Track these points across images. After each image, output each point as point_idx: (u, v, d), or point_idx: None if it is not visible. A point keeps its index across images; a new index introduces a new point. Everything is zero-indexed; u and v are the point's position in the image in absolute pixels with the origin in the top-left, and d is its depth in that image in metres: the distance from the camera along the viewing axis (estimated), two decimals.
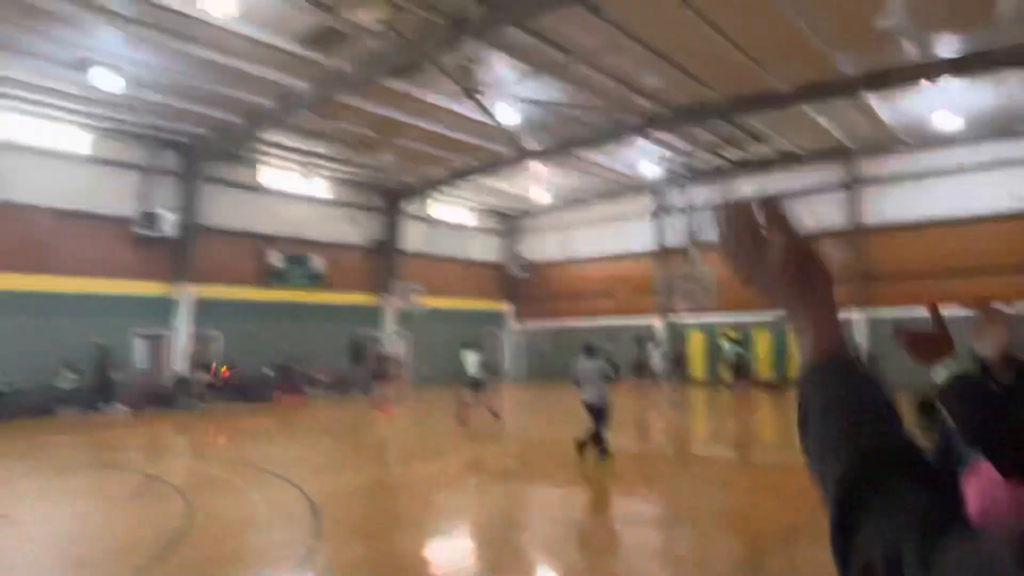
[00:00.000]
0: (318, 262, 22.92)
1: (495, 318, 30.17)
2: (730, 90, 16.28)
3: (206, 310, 19.75)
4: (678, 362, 24.47)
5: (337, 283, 23.53)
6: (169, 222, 18.81)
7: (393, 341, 24.40)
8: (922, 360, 1.75)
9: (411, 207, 26.04)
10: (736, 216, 0.79)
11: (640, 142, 20.50)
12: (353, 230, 24.60)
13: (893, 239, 21.30)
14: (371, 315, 24.71)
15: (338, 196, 24.16)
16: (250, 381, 20.03)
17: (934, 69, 14.33)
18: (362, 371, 22.07)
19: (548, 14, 12.21)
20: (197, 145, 19.32)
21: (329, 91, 15.36)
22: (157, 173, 19.15)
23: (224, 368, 19.74)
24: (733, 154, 22.26)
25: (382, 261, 25.16)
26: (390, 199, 25.47)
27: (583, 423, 9.76)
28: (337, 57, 14.09)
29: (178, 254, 19.31)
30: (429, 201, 27.08)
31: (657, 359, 24.75)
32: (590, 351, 10.17)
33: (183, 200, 19.57)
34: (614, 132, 18.98)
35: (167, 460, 11.37)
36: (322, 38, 13.19)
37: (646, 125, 18.31)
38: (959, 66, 14.29)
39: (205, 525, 6.41)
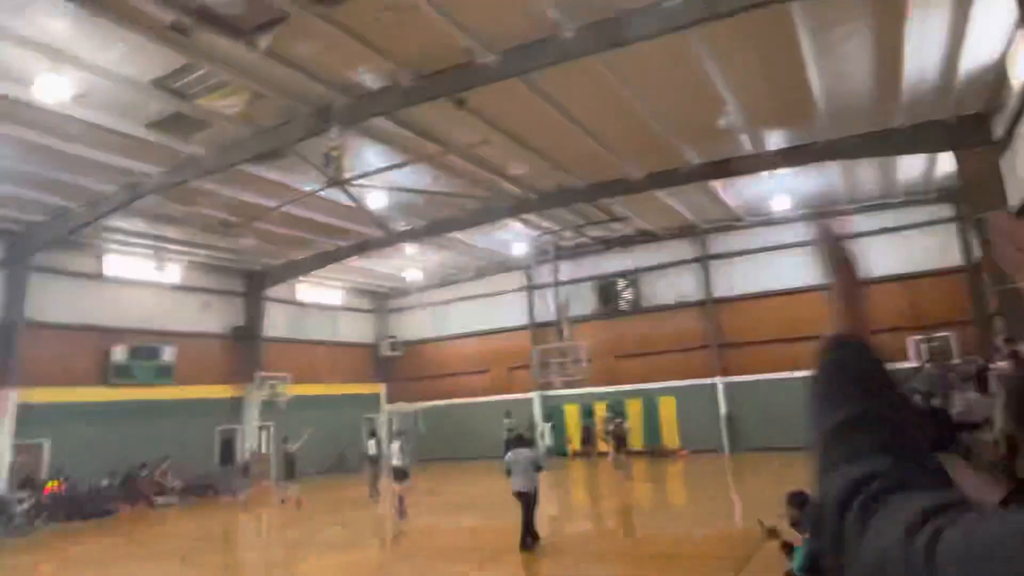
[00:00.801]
0: (169, 354, 20.99)
1: (369, 402, 28.97)
2: (590, 176, 17.22)
3: (33, 416, 17.33)
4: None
5: (191, 376, 21.57)
6: None
7: (256, 435, 22.63)
8: None
9: (275, 291, 24.81)
10: (829, 239, 1.03)
11: (509, 223, 21.05)
12: (210, 317, 22.93)
13: (741, 309, 23.00)
14: (231, 409, 22.84)
15: (192, 281, 22.51)
16: (85, 495, 17.61)
17: (766, 161, 15.96)
18: (230, 472, 20.32)
19: (414, 107, 12.34)
20: (26, 232, 17.40)
21: (182, 176, 14.46)
22: None
23: (54, 482, 17.27)
24: (597, 232, 23.39)
25: (242, 349, 23.53)
26: (251, 283, 24.15)
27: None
28: (193, 142, 13.37)
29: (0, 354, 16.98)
30: (295, 283, 26.02)
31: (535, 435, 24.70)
32: (522, 440, 10.33)
33: (6, 294, 17.39)
34: (484, 215, 19.34)
35: None
36: (175, 123, 12.47)
37: (515, 209, 18.84)
38: (786, 157, 16.03)
39: None
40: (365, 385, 28.97)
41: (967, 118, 13.92)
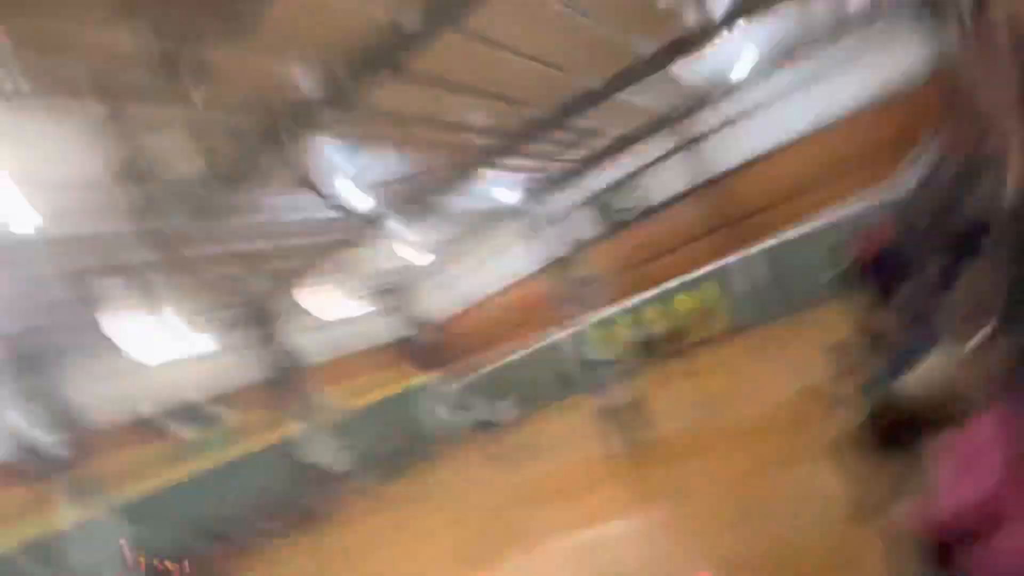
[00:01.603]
0: (229, 416, 21.43)
1: (422, 391, 29.37)
2: (552, 102, 16.91)
3: None
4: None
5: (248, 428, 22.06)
6: None
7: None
8: None
9: (292, 324, 24.95)
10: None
11: (491, 174, 20.85)
12: (250, 369, 23.19)
13: (748, 176, 22.73)
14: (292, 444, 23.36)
15: (223, 344, 22.71)
16: None
17: (717, 24, 15.51)
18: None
19: (366, 89, 12.14)
20: None
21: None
22: None
23: None
24: (578, 154, 23.10)
25: (288, 386, 23.85)
26: (264, 323, 24.29)
27: None
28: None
29: None
30: (307, 305, 26.12)
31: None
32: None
33: None
34: (463, 174, 19.15)
35: None
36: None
37: (489, 158, 18.63)
38: (735, 10, 15.54)
39: None
40: (412, 377, 29.33)
41: None
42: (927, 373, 2.68)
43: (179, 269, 16.28)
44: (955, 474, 2.47)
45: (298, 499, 21.84)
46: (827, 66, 20.63)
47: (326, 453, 23.38)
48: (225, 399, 21.72)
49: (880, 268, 10.92)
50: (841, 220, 19.25)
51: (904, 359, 4.71)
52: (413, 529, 13.52)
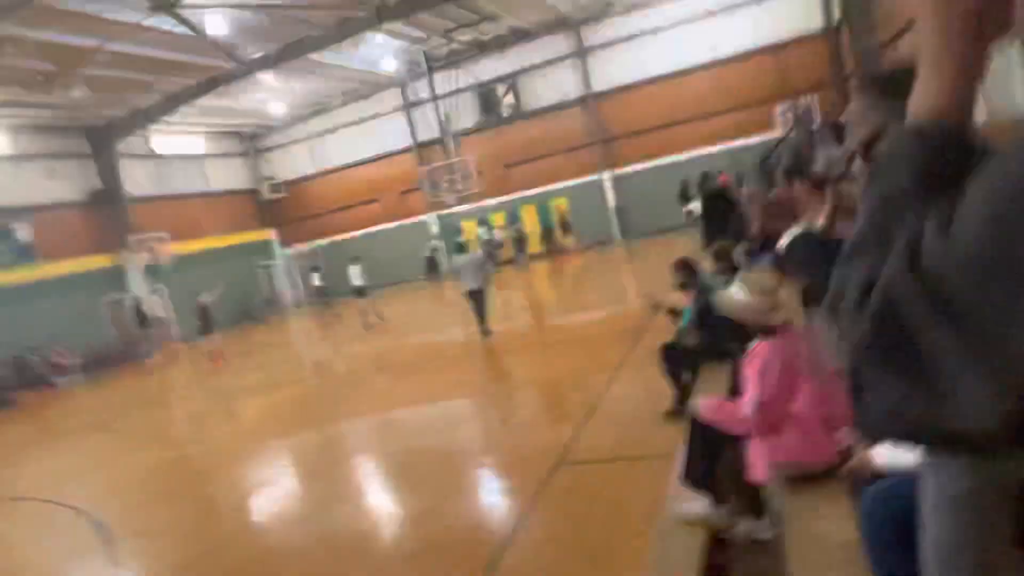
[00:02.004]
0: (24, 231, 19.09)
1: (261, 248, 28.01)
2: None
3: None
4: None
5: (56, 251, 19.87)
6: None
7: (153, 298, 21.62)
8: (770, 226, 1.96)
9: (127, 145, 22.40)
10: None
11: (375, 37, 19.43)
12: (60, 185, 20.67)
13: (622, 101, 23.07)
14: (112, 278, 21.53)
15: (29, 148, 19.90)
16: None
17: None
18: (139, 338, 19.71)
19: None
20: None
21: None
22: None
23: None
24: (468, 36, 22.08)
25: (108, 213, 21.65)
26: (97, 140, 21.60)
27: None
28: None
29: None
30: (149, 135, 23.57)
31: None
32: (461, 247, 12.67)
33: None
34: (343, 29, 17.66)
35: None
36: None
37: (376, 18, 17.25)
38: None
39: None
40: (252, 233, 27.80)
41: None
42: (736, 294, 3.03)
43: None
44: (749, 378, 2.97)
45: (103, 340, 20.39)
46: (723, 5, 21.09)
47: (144, 296, 21.80)
48: (26, 212, 19.30)
49: (719, 208, 11.82)
50: (705, 157, 20.37)
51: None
52: (236, 386, 13.19)
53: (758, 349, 3.00)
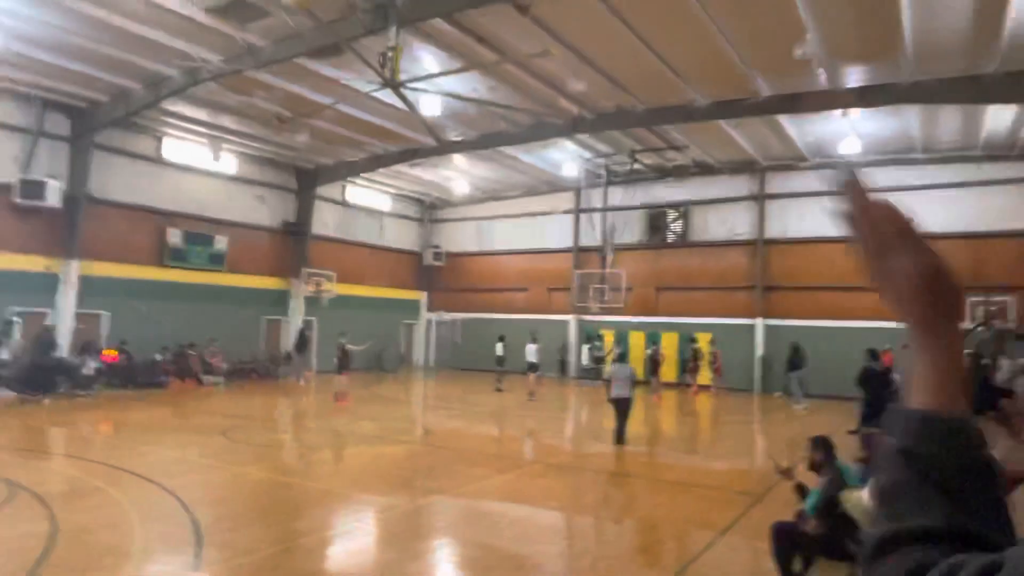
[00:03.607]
0: (221, 242, 21.71)
1: (409, 307, 29.67)
2: (652, 100, 16.54)
3: (94, 288, 18.32)
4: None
5: (241, 265, 22.38)
6: (55, 191, 17.20)
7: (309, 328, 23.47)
8: None
9: (325, 190, 25.11)
10: (865, 208, 0.73)
11: (563, 142, 20.61)
12: (262, 210, 23.45)
13: (791, 252, 22.36)
14: (277, 300, 23.72)
15: (247, 174, 22.91)
16: (140, 366, 18.78)
17: (841, 98, 15.04)
18: (300, 359, 21.73)
19: (475, 10, 11.92)
20: (90, 110, 17.77)
21: (239, 65, 14.45)
22: (43, 137, 17.48)
23: (113, 351, 18.41)
24: (652, 160, 22.75)
25: (291, 244, 24.15)
26: (303, 180, 24.44)
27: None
28: (250, 31, 13.27)
29: (64, 226, 17.75)
30: (345, 185, 26.29)
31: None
32: (622, 357, 13.68)
33: (72, 168, 17.98)
34: (538, 132, 18.93)
35: (40, 461, 10.43)
36: (234, 9, 12.35)
37: (570, 128, 18.35)
38: (864, 96, 15.07)
39: (68, 550, 5.86)
40: (406, 291, 29.59)
41: None
42: (867, 496, 2.75)
43: (238, 87, 16.26)
44: None
45: (252, 353, 22.17)
46: (932, 181, 20.06)
47: (300, 323, 23.71)
48: (228, 227, 21.97)
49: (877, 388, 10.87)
50: (865, 330, 18.94)
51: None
52: (351, 430, 13.81)
53: None
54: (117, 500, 7.41)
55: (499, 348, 21.47)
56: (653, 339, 23.37)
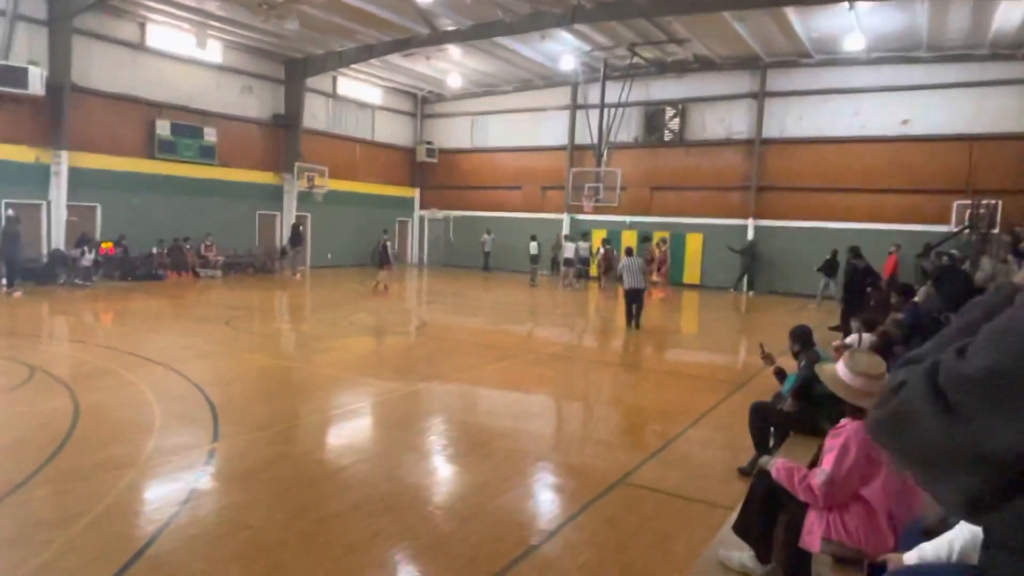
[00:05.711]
0: (211, 134, 21.30)
1: (402, 204, 29.59)
2: None
3: (85, 180, 18.16)
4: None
5: (233, 159, 22.09)
6: (37, 77, 16.63)
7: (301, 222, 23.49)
8: None
9: (315, 81, 24.39)
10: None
11: (561, 34, 19.91)
12: (251, 102, 22.87)
13: (788, 153, 22.21)
14: (270, 194, 23.60)
15: (234, 63, 22.16)
16: (137, 258, 18.96)
17: None
18: (294, 255, 22.33)
19: None
20: None
21: None
22: (19, 21, 16.73)
23: (109, 244, 18.51)
24: (651, 54, 22.10)
25: (282, 138, 23.74)
26: (293, 71, 23.67)
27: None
28: None
29: (50, 116, 17.34)
30: (335, 76, 25.50)
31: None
32: (630, 252, 14.01)
33: (52, 55, 17.34)
34: (535, 21, 18.25)
35: (51, 346, 10.79)
36: None
37: (568, 17, 17.69)
38: None
39: (93, 424, 6.26)
40: (399, 188, 29.40)
41: None
42: (840, 370, 3.04)
43: None
44: (828, 451, 3.01)
45: (247, 247, 22.30)
46: (932, 81, 19.71)
47: (294, 218, 23.72)
48: (217, 119, 21.52)
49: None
50: (857, 232, 19.19)
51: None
52: (351, 321, 14.20)
53: (845, 426, 3.01)
54: (132, 381, 7.79)
55: (533, 247, 23.29)
56: (646, 238, 23.56)
